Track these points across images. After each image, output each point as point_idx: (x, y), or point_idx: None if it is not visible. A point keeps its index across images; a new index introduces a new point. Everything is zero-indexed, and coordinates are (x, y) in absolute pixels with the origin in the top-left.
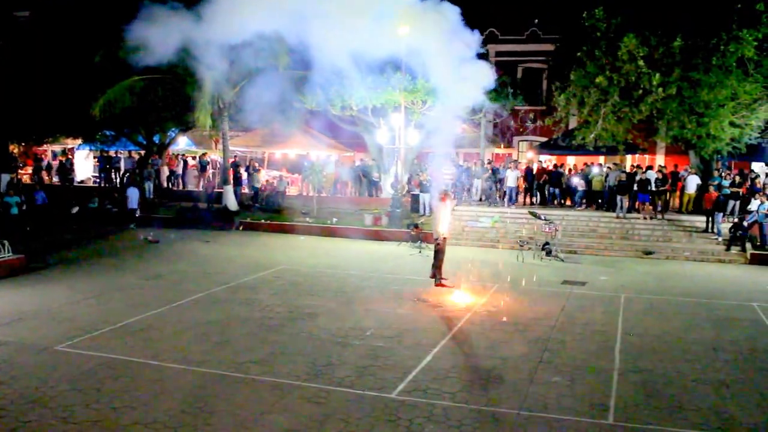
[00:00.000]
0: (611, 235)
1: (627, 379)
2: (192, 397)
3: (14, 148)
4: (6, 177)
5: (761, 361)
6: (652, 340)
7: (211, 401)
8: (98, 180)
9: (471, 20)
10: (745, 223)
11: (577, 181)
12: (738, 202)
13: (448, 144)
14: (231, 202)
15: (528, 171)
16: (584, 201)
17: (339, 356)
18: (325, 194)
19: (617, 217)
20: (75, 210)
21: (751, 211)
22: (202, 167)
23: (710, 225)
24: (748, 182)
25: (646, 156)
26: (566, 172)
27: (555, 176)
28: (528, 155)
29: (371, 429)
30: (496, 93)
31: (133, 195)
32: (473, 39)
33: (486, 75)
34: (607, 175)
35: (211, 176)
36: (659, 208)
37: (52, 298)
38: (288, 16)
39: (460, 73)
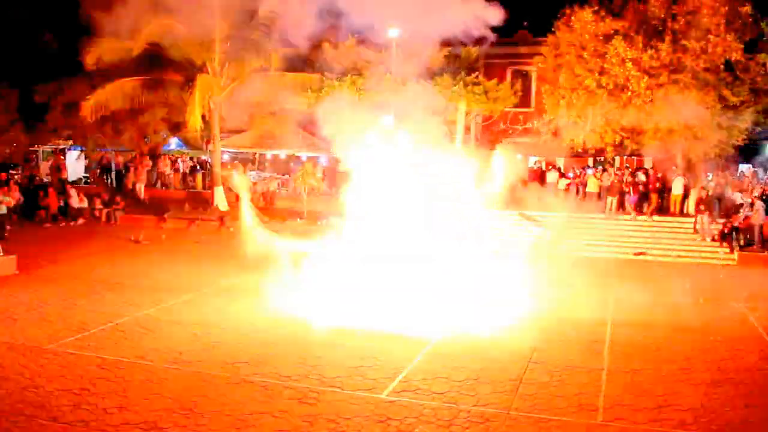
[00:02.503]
0: (600, 235)
1: (616, 378)
2: (182, 397)
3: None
4: None
5: (748, 361)
6: (640, 341)
7: (202, 402)
8: (89, 181)
9: None
10: (737, 224)
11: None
12: (724, 203)
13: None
14: (221, 203)
15: None
16: None
17: (329, 356)
18: (316, 195)
19: (606, 218)
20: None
21: (739, 211)
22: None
23: (698, 225)
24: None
25: (634, 157)
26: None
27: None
28: (517, 157)
29: (361, 430)
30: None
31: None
32: None
33: None
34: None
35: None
36: (646, 209)
37: (41, 297)
38: None
39: None
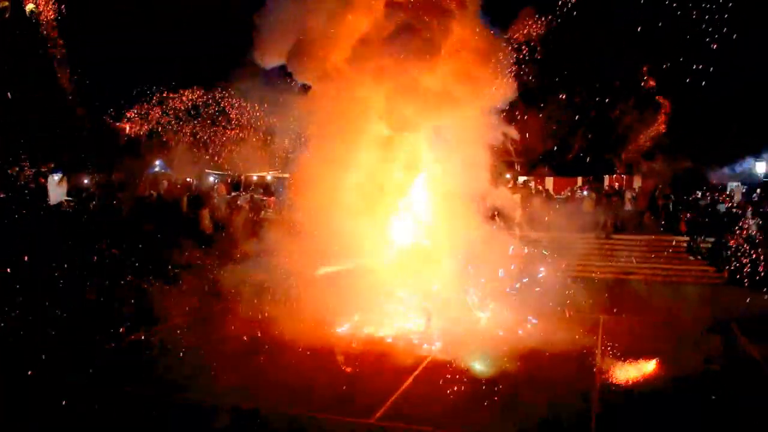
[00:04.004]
0: (590, 254)
1: (607, 400)
2: (167, 427)
3: None
4: None
5: (737, 380)
6: (630, 362)
7: (189, 430)
8: (72, 203)
9: None
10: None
11: None
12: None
13: None
14: (207, 225)
15: None
16: None
17: (317, 381)
18: None
19: (597, 237)
20: None
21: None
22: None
23: (688, 245)
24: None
25: (624, 176)
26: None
27: None
28: (506, 176)
29: None
30: None
31: None
32: None
33: None
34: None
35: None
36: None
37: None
38: None
39: None
